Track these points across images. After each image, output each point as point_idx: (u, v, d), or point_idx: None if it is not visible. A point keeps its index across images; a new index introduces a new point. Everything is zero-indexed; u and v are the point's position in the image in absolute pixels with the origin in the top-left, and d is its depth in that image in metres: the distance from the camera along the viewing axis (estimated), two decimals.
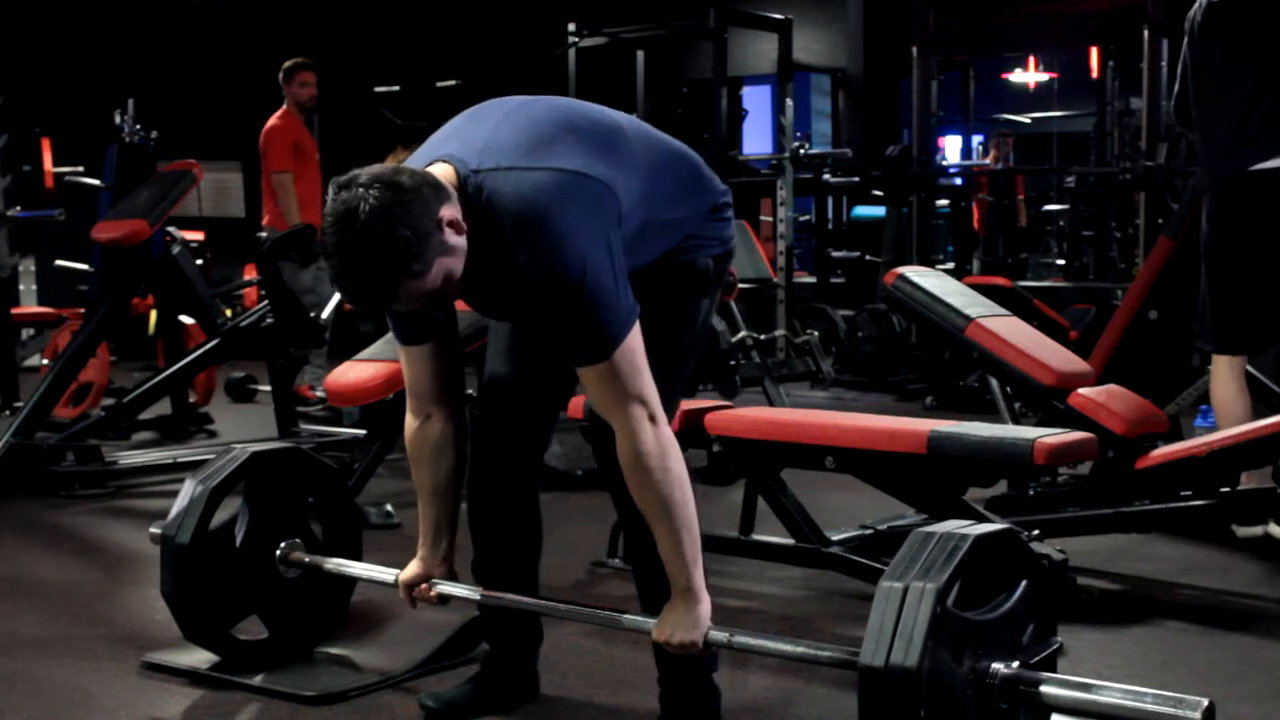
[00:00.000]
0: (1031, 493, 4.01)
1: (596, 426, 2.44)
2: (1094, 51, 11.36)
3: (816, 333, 6.94)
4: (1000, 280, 8.13)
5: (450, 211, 2.20)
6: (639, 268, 2.39)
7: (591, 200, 2.26)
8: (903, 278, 4.20)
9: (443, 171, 2.27)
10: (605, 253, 2.24)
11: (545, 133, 2.32)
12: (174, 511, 2.88)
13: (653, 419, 2.29)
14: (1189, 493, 3.72)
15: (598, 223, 2.25)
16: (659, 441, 2.28)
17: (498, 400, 2.63)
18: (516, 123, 2.35)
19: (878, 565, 3.34)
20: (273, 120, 7.18)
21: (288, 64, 7.26)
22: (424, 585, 2.64)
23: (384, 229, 2.12)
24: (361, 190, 2.14)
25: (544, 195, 2.23)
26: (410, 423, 2.57)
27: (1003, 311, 4.15)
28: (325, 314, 5.86)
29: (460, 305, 2.51)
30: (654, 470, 2.28)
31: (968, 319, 4.00)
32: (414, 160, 2.36)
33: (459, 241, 2.22)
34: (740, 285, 6.05)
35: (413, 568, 2.66)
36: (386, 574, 2.78)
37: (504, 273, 2.26)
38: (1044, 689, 2.04)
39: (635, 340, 2.27)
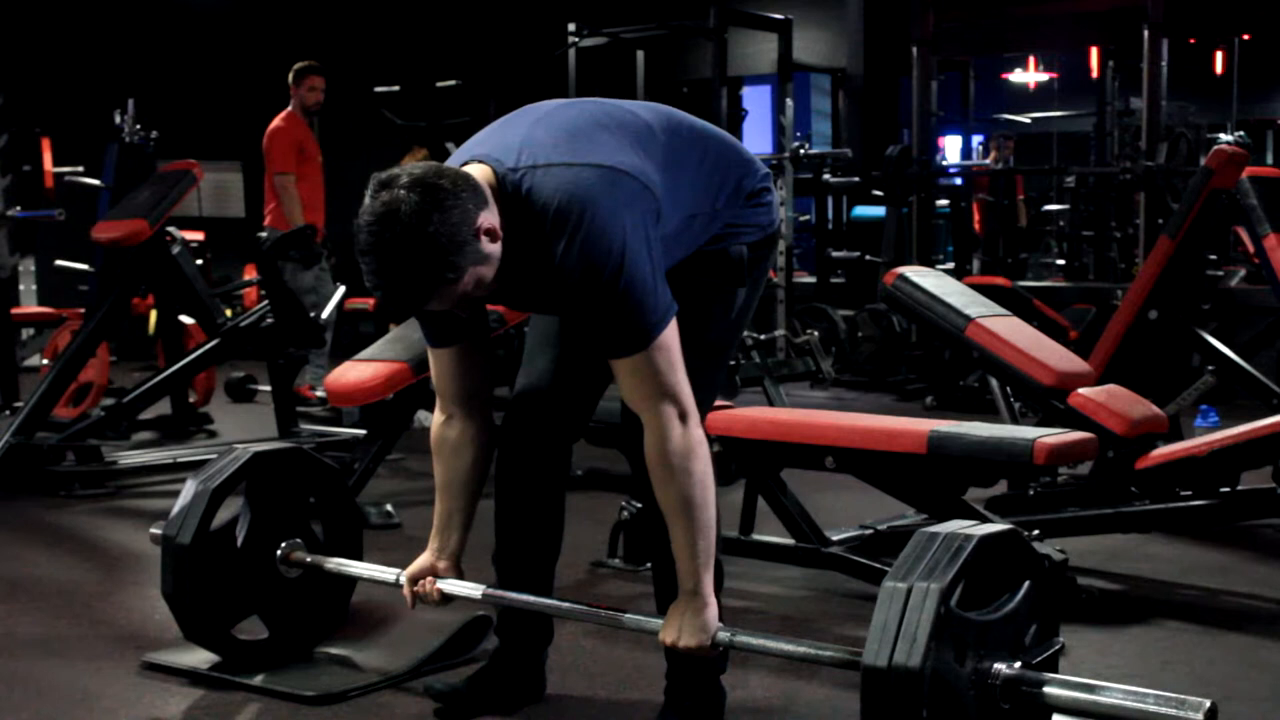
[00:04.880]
0: (1031, 493, 4.01)
1: (627, 425, 2.42)
2: (1094, 51, 11.36)
3: (816, 333, 6.94)
4: (1000, 280, 8.13)
5: (488, 219, 2.21)
6: (673, 263, 2.39)
7: (631, 196, 2.27)
8: (903, 278, 4.20)
9: (480, 171, 2.28)
10: (643, 245, 2.24)
11: (582, 132, 2.34)
12: (175, 511, 2.88)
13: (683, 417, 2.29)
14: (1189, 493, 3.72)
15: (636, 217, 2.26)
16: (687, 440, 2.28)
17: (532, 400, 2.62)
18: (552, 124, 2.36)
19: (878, 565, 3.35)
20: (276, 121, 7.15)
21: (298, 66, 7.20)
22: (426, 581, 2.63)
23: (422, 234, 2.13)
24: (403, 193, 2.14)
25: (584, 188, 2.23)
26: (436, 418, 2.60)
27: (1003, 311, 4.15)
28: (325, 314, 5.86)
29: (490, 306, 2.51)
30: (677, 469, 2.28)
31: (968, 319, 4.00)
32: (450, 163, 2.35)
33: (493, 249, 2.23)
34: None
35: (419, 561, 2.66)
36: (387, 574, 2.78)
37: (540, 266, 2.26)
38: (1047, 690, 2.04)
39: (671, 335, 2.27)
